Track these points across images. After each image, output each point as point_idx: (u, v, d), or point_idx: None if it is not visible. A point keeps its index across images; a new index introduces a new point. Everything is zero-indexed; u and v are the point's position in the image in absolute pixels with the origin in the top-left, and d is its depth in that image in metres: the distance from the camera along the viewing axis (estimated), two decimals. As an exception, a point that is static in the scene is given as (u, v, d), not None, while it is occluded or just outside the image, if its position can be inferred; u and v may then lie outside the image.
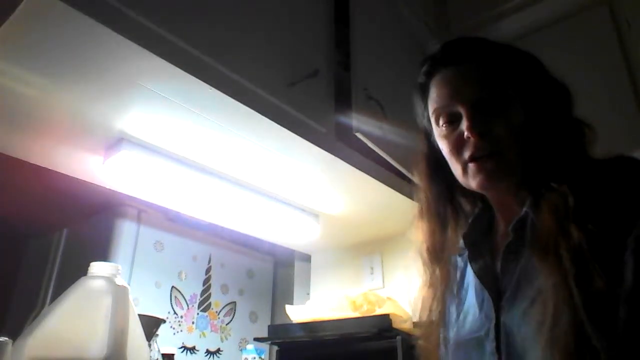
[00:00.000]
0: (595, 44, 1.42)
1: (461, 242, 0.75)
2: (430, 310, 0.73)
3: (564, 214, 0.57)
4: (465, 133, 0.65)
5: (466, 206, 0.77)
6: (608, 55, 1.37)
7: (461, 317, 0.71)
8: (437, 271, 0.74)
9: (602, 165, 0.62)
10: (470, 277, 0.73)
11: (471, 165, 0.66)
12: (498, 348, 0.61)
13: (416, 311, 0.76)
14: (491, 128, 0.65)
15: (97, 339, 0.84)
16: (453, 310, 0.73)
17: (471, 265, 0.71)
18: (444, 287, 0.73)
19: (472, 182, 0.67)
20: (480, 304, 0.67)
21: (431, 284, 0.74)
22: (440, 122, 0.70)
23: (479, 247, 0.72)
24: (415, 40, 1.59)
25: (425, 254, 0.75)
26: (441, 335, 0.72)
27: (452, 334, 0.71)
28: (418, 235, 0.76)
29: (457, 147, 0.68)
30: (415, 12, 1.63)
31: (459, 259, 0.76)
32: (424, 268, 0.76)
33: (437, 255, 0.74)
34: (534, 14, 1.55)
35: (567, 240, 0.55)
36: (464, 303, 0.72)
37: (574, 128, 0.67)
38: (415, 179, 0.79)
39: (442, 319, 0.73)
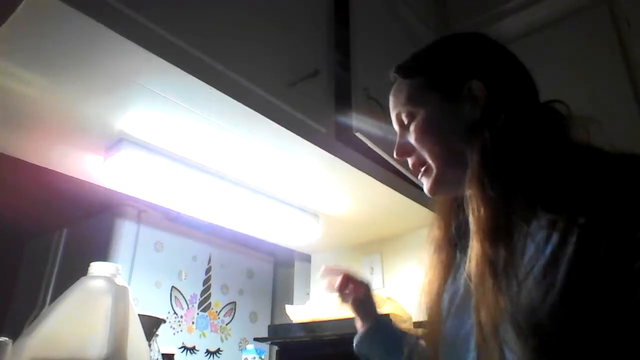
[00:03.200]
0: (595, 44, 1.42)
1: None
2: (429, 301, 0.73)
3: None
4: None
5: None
6: (608, 55, 1.37)
7: (452, 309, 0.70)
8: (437, 262, 0.74)
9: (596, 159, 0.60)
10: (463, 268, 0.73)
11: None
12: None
13: (422, 305, 0.75)
14: (412, 148, 0.72)
15: (97, 339, 0.84)
16: (445, 299, 0.72)
17: (461, 257, 0.71)
18: (442, 277, 0.73)
19: None
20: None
21: (431, 275, 0.74)
22: None
23: (466, 239, 0.72)
24: (415, 40, 1.59)
25: (430, 248, 0.76)
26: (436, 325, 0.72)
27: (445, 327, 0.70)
28: (432, 231, 0.77)
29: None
30: (415, 12, 1.63)
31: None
32: (428, 259, 0.76)
33: (439, 247, 0.75)
34: (534, 14, 1.55)
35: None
36: (457, 295, 0.71)
37: (542, 112, 0.67)
38: None
39: (439, 307, 0.72)
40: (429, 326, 0.72)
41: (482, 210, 0.59)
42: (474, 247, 0.59)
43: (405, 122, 0.73)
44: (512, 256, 0.56)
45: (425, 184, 0.72)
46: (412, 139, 0.72)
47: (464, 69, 0.70)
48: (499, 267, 0.56)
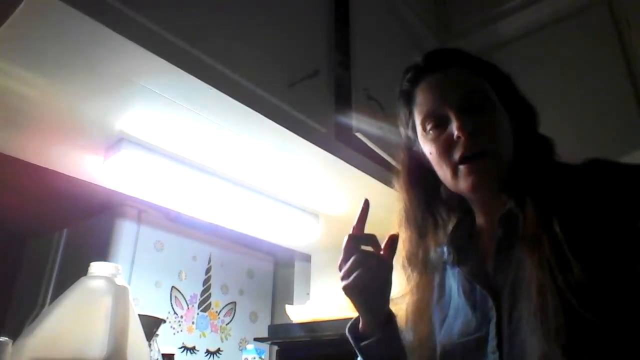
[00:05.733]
0: (595, 44, 1.42)
1: (441, 249, 0.76)
2: (418, 319, 0.72)
3: (546, 209, 0.60)
4: (456, 133, 0.66)
5: (445, 216, 0.77)
6: (608, 55, 1.37)
7: (448, 321, 0.70)
8: (419, 279, 0.74)
9: (576, 169, 0.64)
10: (452, 281, 0.73)
11: (462, 167, 0.67)
12: (499, 346, 0.61)
13: (401, 321, 0.75)
14: (480, 128, 0.66)
15: (97, 339, 0.84)
16: (436, 317, 0.72)
17: (460, 269, 0.71)
18: (428, 294, 0.73)
19: (462, 184, 0.68)
20: (473, 305, 0.67)
21: (413, 292, 0.74)
22: (428, 127, 0.70)
23: (465, 250, 0.72)
24: (415, 40, 1.59)
25: (405, 263, 0.75)
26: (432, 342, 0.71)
27: (438, 340, 0.70)
28: (404, 244, 0.76)
29: (446, 148, 0.68)
30: (415, 12, 1.63)
31: (437, 266, 0.76)
32: (405, 276, 0.75)
33: (417, 263, 0.74)
34: (534, 14, 1.55)
35: (548, 234, 0.58)
36: (448, 308, 0.72)
37: (544, 141, 0.71)
38: (396, 189, 0.79)
39: (431, 325, 0.72)
40: (421, 342, 0.71)
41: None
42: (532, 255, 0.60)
43: (480, 106, 0.68)
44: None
45: (474, 173, 0.66)
46: (489, 124, 0.67)
47: (517, 103, 0.73)
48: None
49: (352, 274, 0.69)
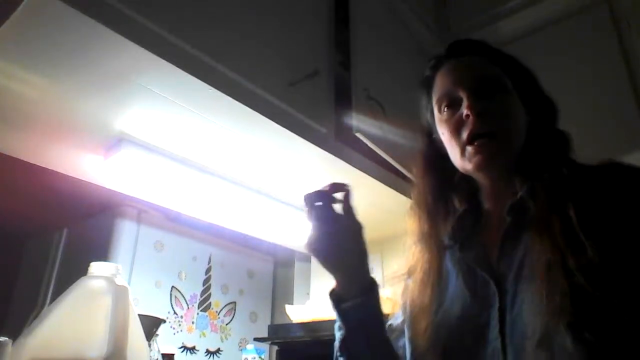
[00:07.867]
0: (595, 44, 1.42)
1: (447, 235, 0.76)
2: (418, 296, 0.73)
3: (558, 194, 0.62)
4: (465, 112, 0.69)
5: (456, 204, 0.79)
6: (608, 55, 1.37)
7: (444, 307, 0.71)
8: (427, 257, 0.75)
9: (592, 169, 0.66)
10: (451, 267, 0.74)
11: (469, 148, 0.69)
12: (502, 331, 0.61)
13: (404, 298, 0.77)
14: (490, 109, 0.69)
15: (97, 339, 0.84)
16: (434, 299, 0.73)
17: (463, 255, 0.72)
18: (433, 272, 0.74)
19: (469, 163, 0.70)
20: (473, 292, 0.67)
21: (420, 269, 0.75)
22: (442, 107, 0.74)
23: (470, 238, 0.73)
24: (415, 40, 1.59)
25: (415, 241, 0.78)
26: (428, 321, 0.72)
27: (435, 322, 0.71)
28: (409, 224, 0.80)
29: (457, 128, 0.71)
30: (416, 13, 1.63)
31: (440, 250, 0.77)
32: (413, 254, 0.78)
33: (427, 243, 0.76)
34: (533, 14, 1.55)
35: (560, 217, 0.59)
36: (445, 294, 0.72)
37: (561, 136, 0.72)
38: (412, 174, 0.83)
39: (430, 304, 0.72)
40: (420, 326, 0.71)
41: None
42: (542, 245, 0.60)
43: (492, 92, 0.70)
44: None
45: (480, 153, 0.68)
46: (501, 107, 0.69)
47: (535, 97, 0.74)
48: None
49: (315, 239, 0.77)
